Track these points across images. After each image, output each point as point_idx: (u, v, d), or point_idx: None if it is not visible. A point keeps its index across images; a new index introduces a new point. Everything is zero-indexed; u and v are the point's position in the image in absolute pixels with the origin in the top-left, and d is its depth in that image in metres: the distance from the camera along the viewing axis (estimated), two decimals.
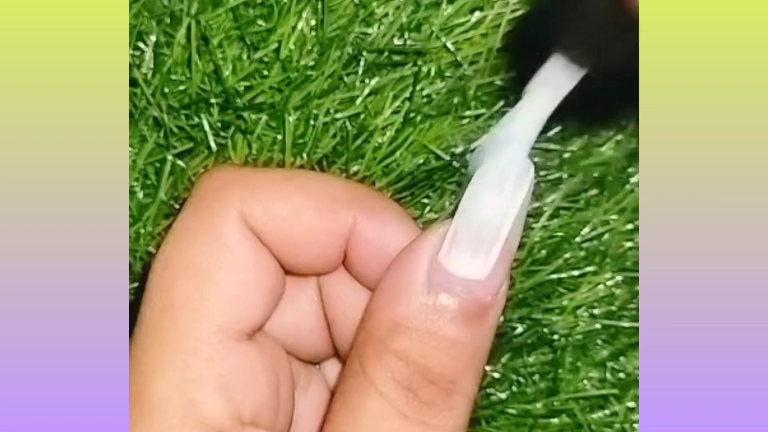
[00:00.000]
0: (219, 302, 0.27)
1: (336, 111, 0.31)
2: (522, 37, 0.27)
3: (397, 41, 0.30)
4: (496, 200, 0.25)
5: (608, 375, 0.34)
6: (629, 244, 0.33)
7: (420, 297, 0.25)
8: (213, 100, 0.30)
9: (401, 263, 0.26)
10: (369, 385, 0.25)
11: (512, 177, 0.25)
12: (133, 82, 0.30)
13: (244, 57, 0.30)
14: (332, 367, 0.31)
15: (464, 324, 0.25)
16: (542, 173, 0.32)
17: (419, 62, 0.31)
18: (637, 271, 0.33)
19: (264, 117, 0.30)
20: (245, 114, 0.30)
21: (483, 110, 0.31)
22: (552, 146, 0.32)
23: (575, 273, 0.33)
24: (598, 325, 0.34)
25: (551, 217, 0.33)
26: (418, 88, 0.31)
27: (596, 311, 0.34)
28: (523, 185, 0.25)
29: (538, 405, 0.34)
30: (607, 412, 0.34)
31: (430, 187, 0.32)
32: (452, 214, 0.26)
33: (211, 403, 0.26)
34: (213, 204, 0.27)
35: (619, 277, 0.33)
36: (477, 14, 0.30)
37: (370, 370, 0.25)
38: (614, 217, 0.33)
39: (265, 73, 0.30)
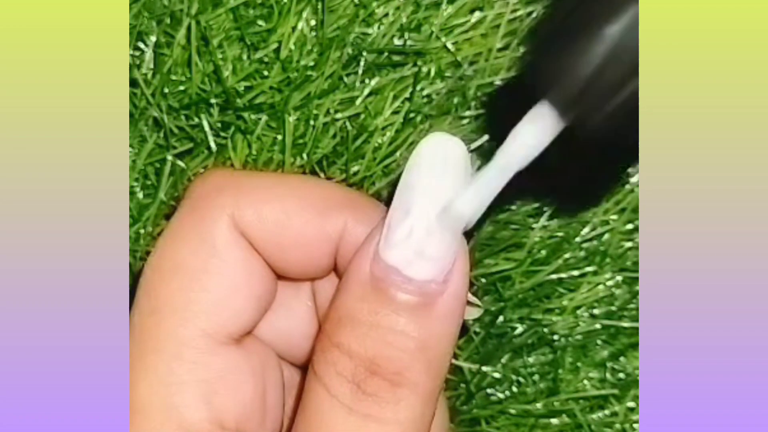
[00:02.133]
0: (206, 306, 0.26)
1: (336, 111, 0.31)
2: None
3: (397, 41, 0.30)
4: (431, 185, 0.25)
5: (608, 375, 0.34)
6: (629, 244, 0.33)
7: (362, 289, 0.25)
8: (213, 101, 0.30)
9: (352, 258, 0.26)
10: (316, 380, 0.25)
11: (448, 159, 0.25)
12: (133, 83, 0.30)
13: (244, 57, 0.30)
14: None
15: (409, 315, 0.24)
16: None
17: (419, 62, 0.31)
18: (637, 271, 0.33)
19: (264, 117, 0.30)
20: (245, 114, 0.30)
21: (483, 110, 0.31)
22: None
23: (575, 273, 0.33)
24: (598, 326, 0.34)
25: (551, 217, 0.33)
26: (418, 88, 0.31)
27: (596, 311, 0.33)
28: (459, 163, 0.25)
29: (538, 405, 0.34)
30: (607, 412, 0.34)
31: None
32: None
33: (191, 408, 0.26)
34: (204, 208, 0.27)
35: (619, 277, 0.33)
36: (477, 14, 0.30)
37: (317, 364, 0.25)
38: (614, 217, 0.33)
39: (265, 73, 0.30)
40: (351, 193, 0.29)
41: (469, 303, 0.27)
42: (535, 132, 0.24)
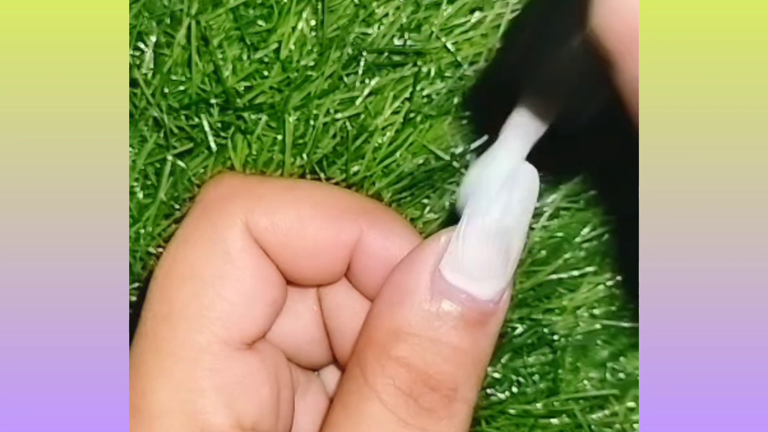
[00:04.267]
0: (220, 312, 0.26)
1: (336, 111, 0.31)
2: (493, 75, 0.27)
3: (397, 41, 0.30)
4: (499, 208, 0.25)
5: (608, 375, 0.34)
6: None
7: (422, 304, 0.25)
8: (213, 101, 0.30)
9: (404, 270, 0.26)
10: (369, 391, 0.25)
11: (515, 182, 0.25)
12: (133, 83, 0.30)
13: (244, 57, 0.30)
14: (331, 373, 0.31)
15: (466, 331, 0.25)
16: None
17: (419, 62, 0.31)
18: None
19: (264, 117, 0.30)
20: (245, 114, 0.30)
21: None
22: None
23: (575, 273, 0.33)
24: (598, 326, 0.34)
25: (551, 217, 0.33)
26: (418, 88, 0.31)
27: (596, 311, 0.33)
28: (525, 188, 0.25)
29: (538, 405, 0.34)
30: (607, 412, 0.34)
31: (430, 187, 0.32)
32: (455, 221, 0.26)
33: (212, 413, 0.26)
34: (217, 213, 0.27)
35: (619, 277, 0.33)
36: (477, 14, 0.30)
37: (371, 376, 0.25)
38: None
39: (265, 73, 0.30)
40: (365, 201, 0.29)
41: None
42: (520, 130, 0.25)
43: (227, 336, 0.26)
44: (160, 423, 0.26)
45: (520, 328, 0.34)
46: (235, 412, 0.26)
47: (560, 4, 0.22)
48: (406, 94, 0.31)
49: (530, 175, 0.25)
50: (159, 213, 0.31)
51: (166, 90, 0.30)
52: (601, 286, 0.33)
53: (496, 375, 0.34)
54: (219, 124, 0.31)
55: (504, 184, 0.25)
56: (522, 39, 0.22)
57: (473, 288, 0.25)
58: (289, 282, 0.28)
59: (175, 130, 0.31)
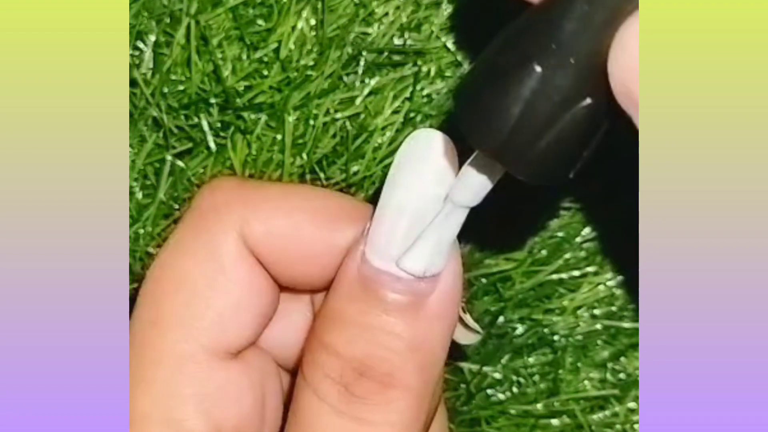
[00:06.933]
0: (209, 323, 0.26)
1: (336, 111, 0.31)
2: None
3: (397, 41, 0.30)
4: (416, 183, 0.25)
5: (609, 376, 0.34)
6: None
7: (349, 289, 0.24)
8: (213, 100, 0.30)
9: (343, 260, 0.25)
10: (304, 383, 0.24)
11: (433, 154, 0.24)
12: (133, 82, 0.30)
13: (244, 57, 0.30)
14: None
15: (397, 315, 0.24)
16: None
17: (419, 62, 0.31)
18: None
19: (264, 117, 0.30)
20: (245, 114, 0.30)
21: None
22: None
23: (575, 273, 0.33)
24: (598, 326, 0.34)
25: (551, 217, 0.33)
26: (418, 88, 0.31)
27: (597, 312, 0.33)
28: (444, 158, 0.24)
29: (539, 405, 0.34)
30: (607, 412, 0.34)
31: None
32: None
33: (192, 421, 0.26)
34: (212, 222, 0.27)
35: (619, 277, 0.33)
36: None
37: (305, 367, 0.25)
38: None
39: (265, 73, 0.30)
40: (361, 206, 0.29)
41: (468, 328, 0.26)
42: (477, 177, 0.24)
43: (213, 346, 0.26)
44: (140, 428, 0.25)
45: (520, 328, 0.34)
46: (214, 421, 0.26)
47: (562, 62, 0.20)
48: (406, 94, 0.31)
49: (446, 144, 0.24)
50: (158, 213, 0.31)
51: (165, 90, 0.30)
52: (601, 286, 0.33)
53: (497, 375, 0.34)
54: (218, 124, 0.31)
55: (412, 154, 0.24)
56: (478, 71, 0.21)
57: (396, 269, 0.24)
58: (283, 288, 0.28)
59: (175, 130, 0.31)
